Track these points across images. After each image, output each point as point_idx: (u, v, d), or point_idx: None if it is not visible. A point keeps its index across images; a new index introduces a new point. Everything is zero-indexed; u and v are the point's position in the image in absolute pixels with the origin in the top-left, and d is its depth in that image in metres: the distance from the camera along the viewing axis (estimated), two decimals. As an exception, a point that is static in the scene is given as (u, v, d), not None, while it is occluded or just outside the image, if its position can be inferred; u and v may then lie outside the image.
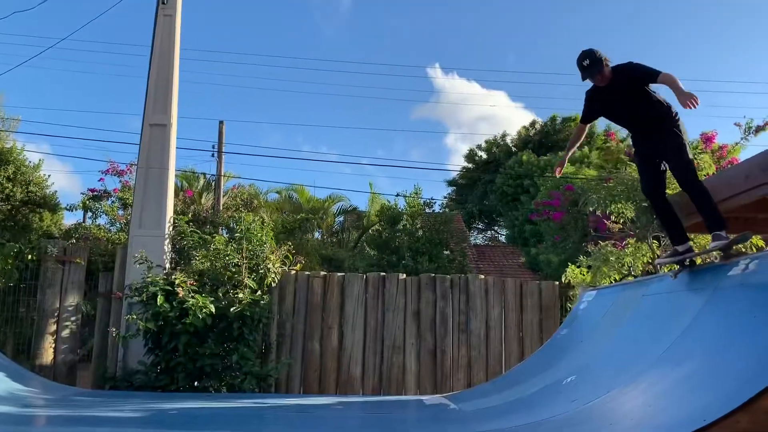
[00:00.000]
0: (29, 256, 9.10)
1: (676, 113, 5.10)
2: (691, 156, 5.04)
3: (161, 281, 8.21)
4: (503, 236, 28.84)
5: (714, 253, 5.11)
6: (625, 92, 5.06)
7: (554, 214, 11.74)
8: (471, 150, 29.26)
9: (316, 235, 20.30)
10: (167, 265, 8.99)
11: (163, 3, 9.75)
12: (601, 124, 22.23)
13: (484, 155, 28.70)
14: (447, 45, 54.65)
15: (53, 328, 8.97)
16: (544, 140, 26.35)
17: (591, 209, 8.59)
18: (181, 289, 8.06)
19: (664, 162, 5.11)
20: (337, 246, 19.11)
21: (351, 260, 15.02)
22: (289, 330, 9.11)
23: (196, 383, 8.06)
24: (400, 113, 51.46)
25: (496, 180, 24.35)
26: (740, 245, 5.37)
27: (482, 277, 9.88)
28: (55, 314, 9.02)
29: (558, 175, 5.92)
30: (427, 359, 9.16)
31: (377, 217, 17.06)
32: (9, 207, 12.18)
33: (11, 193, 12.32)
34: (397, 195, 16.82)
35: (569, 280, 8.98)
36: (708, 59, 55.47)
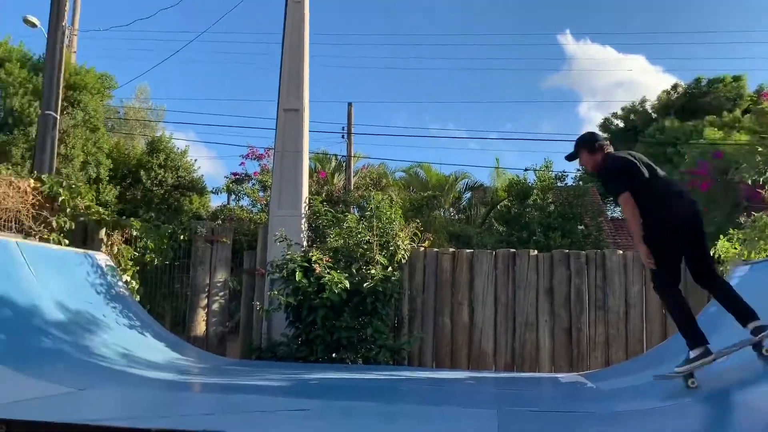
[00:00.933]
0: (181, 237, 9.89)
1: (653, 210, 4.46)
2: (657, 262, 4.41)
3: (299, 258, 8.62)
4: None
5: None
6: None
7: (701, 184, 10.90)
8: (606, 119, 27.87)
9: (443, 212, 20.34)
10: (305, 243, 9.42)
11: (293, -9, 10.09)
12: (753, 82, 20.28)
13: (620, 123, 27.21)
14: (579, 9, 52.06)
15: (204, 302, 9.74)
16: (688, 104, 24.49)
17: (743, 178, 7.89)
18: (317, 265, 8.42)
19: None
20: (465, 222, 19.04)
21: (479, 237, 14.90)
22: (420, 305, 9.25)
23: (333, 355, 8.43)
24: (529, 84, 49.93)
25: (634, 149, 23.06)
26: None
27: (620, 252, 9.43)
28: (206, 290, 9.79)
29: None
30: (561, 337, 8.93)
31: (505, 193, 16.75)
32: (162, 191, 13.30)
33: (163, 179, 13.44)
34: (526, 170, 16.39)
35: (719, 255, 8.33)
36: None
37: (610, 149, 5.01)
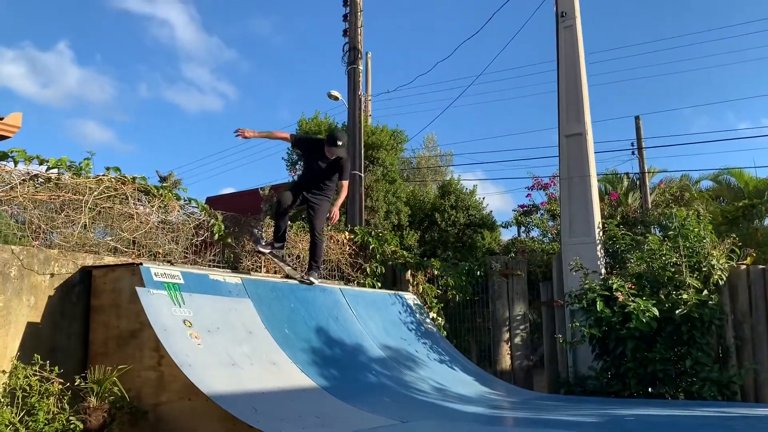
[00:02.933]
0: (477, 272, 10.24)
1: None
2: None
3: (598, 287, 8.24)
4: None
5: None
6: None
7: None
8: None
9: (766, 222, 17.64)
10: (602, 270, 9.00)
11: (562, 16, 9.98)
12: None
13: None
14: None
15: (506, 335, 9.87)
16: None
17: None
18: (620, 293, 7.95)
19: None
20: (797, 231, 16.21)
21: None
22: (748, 332, 8.08)
23: (650, 389, 7.80)
24: None
25: None
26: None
27: None
28: (506, 323, 9.92)
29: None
30: None
31: None
32: (456, 231, 14.01)
33: (456, 219, 14.16)
34: None
35: None
36: None
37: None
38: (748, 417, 6.17)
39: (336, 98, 14.58)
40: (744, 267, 8.37)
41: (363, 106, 13.02)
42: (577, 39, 9.89)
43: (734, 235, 8.85)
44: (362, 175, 11.24)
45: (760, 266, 8.40)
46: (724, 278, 8.17)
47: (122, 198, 6.47)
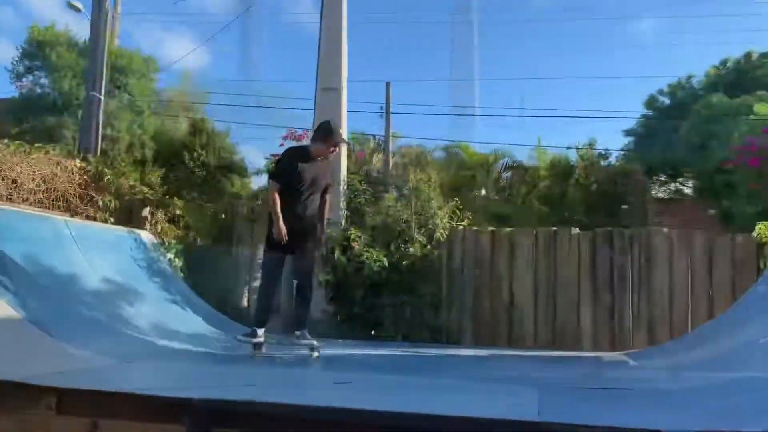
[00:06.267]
0: (223, 216, 10.06)
1: None
2: None
3: (338, 236, 8.66)
4: (689, 188, 26.49)
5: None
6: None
7: (750, 160, 10.56)
8: (651, 96, 27.05)
9: (484, 192, 20.16)
10: (343, 222, 9.45)
11: (330, -31, 10.04)
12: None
13: (666, 101, 26.42)
14: (621, -15, 50.36)
15: (246, 278, 9.90)
16: (738, 80, 23.58)
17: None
18: (356, 243, 8.44)
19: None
20: (504, 202, 18.84)
21: (519, 216, 14.75)
22: (459, 284, 9.21)
23: (373, 332, 8.48)
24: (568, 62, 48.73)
25: (681, 127, 22.36)
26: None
27: (666, 230, 9.19)
28: (247, 267, 9.94)
29: None
30: (603, 317, 8.78)
31: (547, 172, 16.51)
32: (204, 173, 13.54)
33: (206, 160, 13.68)
34: (568, 148, 16.07)
35: (761, 238, 8.05)
36: None
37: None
38: (451, 356, 7.07)
39: (78, 9, 12.94)
40: (461, 227, 9.45)
41: (110, 23, 11.72)
42: (342, -5, 10.05)
43: (457, 200, 9.92)
44: (101, 97, 10.17)
45: (474, 227, 9.58)
46: (445, 236, 9.16)
47: None
